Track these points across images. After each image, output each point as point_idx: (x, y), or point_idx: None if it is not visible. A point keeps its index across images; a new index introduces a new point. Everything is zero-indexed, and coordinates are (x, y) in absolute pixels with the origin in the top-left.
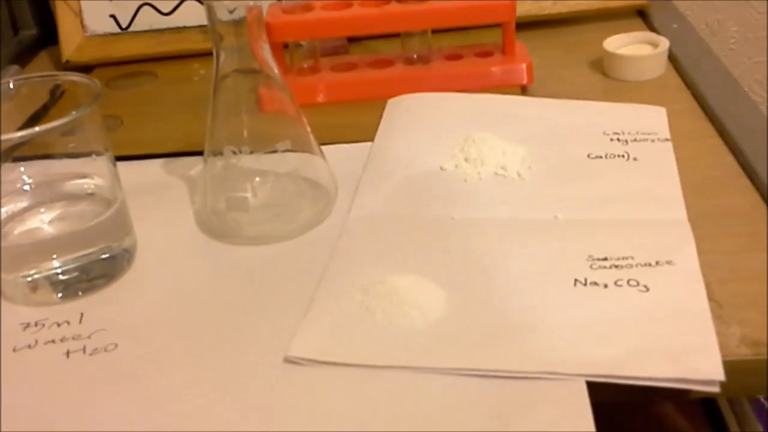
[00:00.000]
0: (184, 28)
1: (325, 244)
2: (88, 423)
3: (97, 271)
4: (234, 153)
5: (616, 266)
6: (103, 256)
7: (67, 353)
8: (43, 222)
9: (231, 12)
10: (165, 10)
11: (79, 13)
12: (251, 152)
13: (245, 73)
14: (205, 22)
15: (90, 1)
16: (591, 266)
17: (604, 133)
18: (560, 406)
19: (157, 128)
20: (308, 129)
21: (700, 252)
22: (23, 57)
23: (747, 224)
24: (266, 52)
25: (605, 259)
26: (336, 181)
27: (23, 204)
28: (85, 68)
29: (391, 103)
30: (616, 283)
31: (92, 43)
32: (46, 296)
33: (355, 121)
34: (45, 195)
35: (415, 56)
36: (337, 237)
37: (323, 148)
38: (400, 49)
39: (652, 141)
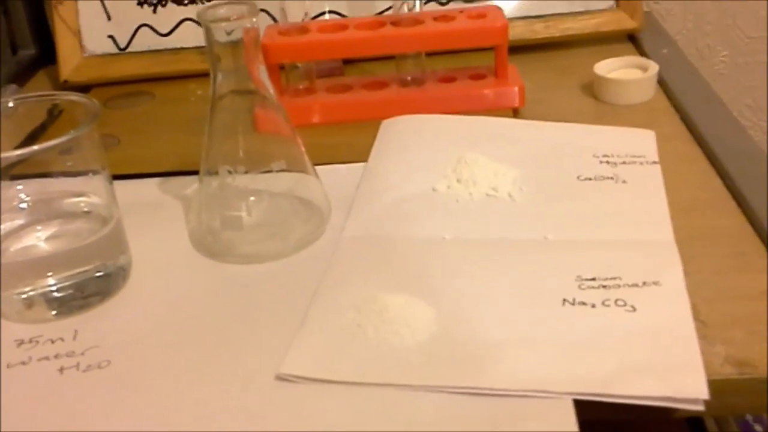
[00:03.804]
0: (182, 49)
1: (318, 263)
2: None
3: (92, 289)
4: (229, 172)
5: (604, 286)
6: (98, 274)
7: (61, 370)
8: (39, 239)
9: (228, 34)
10: (163, 31)
11: (77, 34)
12: (246, 172)
13: (241, 94)
14: (203, 44)
15: (89, 22)
16: (579, 286)
17: (593, 156)
18: (548, 424)
19: (154, 147)
20: (303, 149)
21: (687, 273)
22: (22, 76)
23: (733, 245)
24: (262, 74)
25: (593, 279)
26: (329, 200)
27: (20, 221)
28: (83, 88)
29: (385, 124)
30: (603, 302)
31: (90, 63)
32: (40, 313)
33: (350, 141)
34: (41, 213)
35: (409, 78)
36: (330, 256)
37: (317, 168)
38: (394, 71)
39: (641, 164)
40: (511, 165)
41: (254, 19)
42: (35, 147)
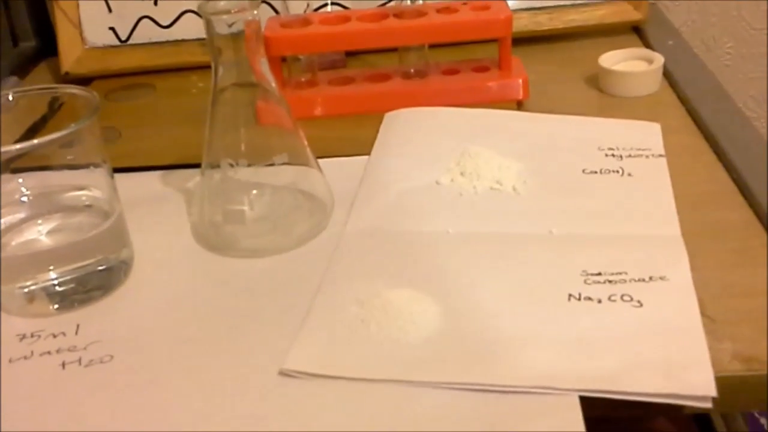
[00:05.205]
0: (183, 41)
1: (321, 257)
2: None
3: (94, 283)
4: (231, 166)
5: (610, 281)
6: (100, 268)
7: (63, 364)
8: (41, 233)
9: (230, 26)
10: (164, 23)
11: (78, 26)
12: (248, 165)
13: (243, 87)
14: (204, 35)
15: (90, 14)
16: (585, 281)
17: (599, 149)
18: (553, 420)
19: (155, 140)
20: (305, 142)
21: (694, 267)
22: (22, 68)
23: (740, 240)
24: (264, 66)
25: (599, 274)
26: (332, 194)
27: (21, 215)
28: (84, 80)
29: (388, 117)
30: (609, 298)
31: (91, 56)
32: (42, 307)
33: (352, 134)
34: (43, 206)
35: (412, 71)
36: (333, 250)
37: (320, 161)
38: (397, 63)
39: (647, 157)
40: (515, 158)
41: (255, 11)
42: (35, 141)
